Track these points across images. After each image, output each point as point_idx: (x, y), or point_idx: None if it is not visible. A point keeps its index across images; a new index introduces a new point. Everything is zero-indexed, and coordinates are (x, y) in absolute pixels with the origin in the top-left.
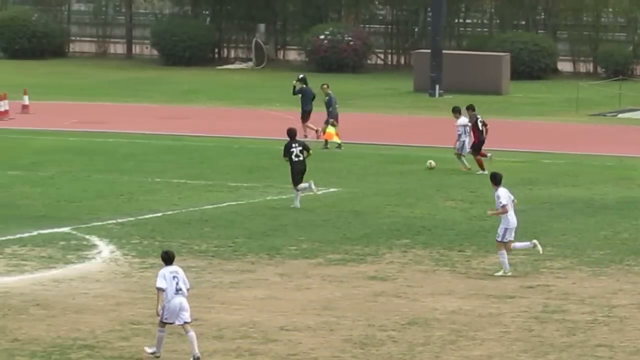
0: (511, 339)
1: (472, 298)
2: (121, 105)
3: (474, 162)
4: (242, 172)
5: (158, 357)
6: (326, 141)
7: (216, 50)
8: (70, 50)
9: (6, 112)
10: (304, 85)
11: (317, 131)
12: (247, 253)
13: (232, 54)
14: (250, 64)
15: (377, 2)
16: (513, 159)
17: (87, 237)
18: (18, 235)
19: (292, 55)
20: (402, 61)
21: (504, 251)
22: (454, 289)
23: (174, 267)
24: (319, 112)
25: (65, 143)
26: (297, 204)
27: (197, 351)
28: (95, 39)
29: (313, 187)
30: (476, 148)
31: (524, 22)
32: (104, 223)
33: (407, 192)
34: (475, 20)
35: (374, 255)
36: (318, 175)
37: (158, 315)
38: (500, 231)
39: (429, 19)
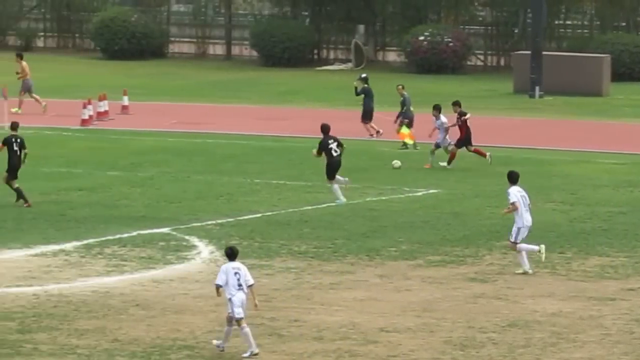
0: (612, 342)
1: (573, 300)
2: (220, 106)
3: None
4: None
5: (222, 350)
6: (404, 142)
7: (315, 51)
8: (170, 51)
9: (106, 112)
10: (366, 85)
11: (378, 132)
12: (347, 254)
13: (331, 55)
14: (350, 65)
15: (476, 4)
16: (614, 160)
17: (186, 237)
18: (118, 236)
19: (392, 56)
20: (502, 62)
21: (524, 254)
22: (555, 291)
23: (236, 264)
24: (388, 113)
25: (164, 144)
26: (343, 199)
27: (255, 347)
28: (195, 40)
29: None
30: (462, 144)
31: (624, 24)
32: (204, 224)
33: None
34: (575, 22)
35: (473, 256)
36: (417, 176)
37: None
38: (513, 231)
39: (528, 20)
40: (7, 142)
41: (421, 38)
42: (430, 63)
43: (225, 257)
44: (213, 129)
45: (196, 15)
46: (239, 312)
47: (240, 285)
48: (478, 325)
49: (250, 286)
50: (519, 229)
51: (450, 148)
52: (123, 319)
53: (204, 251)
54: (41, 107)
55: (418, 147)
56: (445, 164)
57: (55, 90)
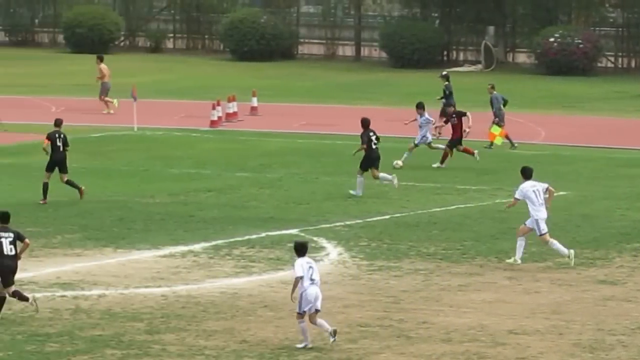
0: None
1: None
2: (349, 107)
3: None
4: (470, 175)
5: (311, 347)
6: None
7: (445, 52)
8: (299, 52)
9: (235, 113)
10: (447, 82)
11: (438, 129)
12: (476, 256)
13: (461, 57)
14: (480, 66)
15: (607, 5)
16: None
17: (315, 239)
18: (246, 237)
19: (522, 57)
20: (633, 64)
21: (554, 240)
22: None
23: (308, 258)
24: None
25: (293, 145)
26: (360, 192)
27: (330, 327)
28: (324, 41)
29: (395, 182)
30: (454, 143)
31: None
32: (332, 225)
33: (638, 195)
34: None
35: (603, 259)
36: (547, 178)
37: (293, 301)
38: (536, 225)
39: None
40: (51, 137)
41: (551, 39)
42: (560, 64)
43: (295, 252)
44: (342, 131)
45: (325, 17)
46: (317, 305)
47: (312, 279)
48: (607, 328)
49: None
50: (537, 221)
51: (433, 145)
52: (251, 320)
53: (332, 253)
54: (108, 110)
55: (516, 145)
56: (438, 164)
57: (185, 92)
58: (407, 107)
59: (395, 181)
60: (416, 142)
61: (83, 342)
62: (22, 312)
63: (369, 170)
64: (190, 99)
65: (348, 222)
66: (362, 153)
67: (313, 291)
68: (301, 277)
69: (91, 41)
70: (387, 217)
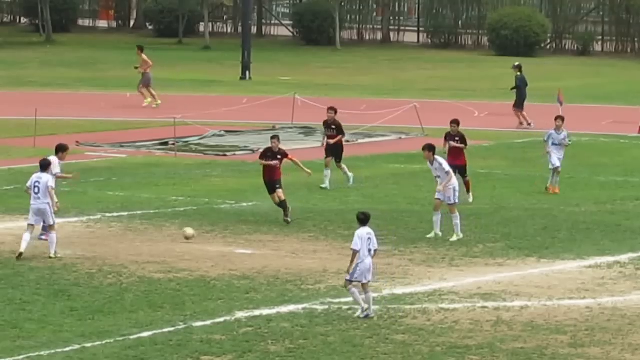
0: None
1: None
2: None
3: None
4: None
5: (368, 313)
6: None
7: None
8: None
9: None
10: (519, 73)
11: (529, 124)
12: None
13: None
14: None
15: None
16: None
17: None
18: None
19: None
20: None
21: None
22: None
23: (368, 229)
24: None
25: None
26: None
27: (364, 304)
28: None
29: None
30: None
31: None
32: None
33: None
34: None
35: None
36: None
37: (348, 273)
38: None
39: None
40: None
41: None
42: None
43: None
44: None
45: None
46: (367, 277)
47: (369, 250)
48: None
49: (375, 250)
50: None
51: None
52: None
53: None
54: (154, 102)
55: None
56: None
57: (613, 97)
58: None
59: None
60: None
61: (504, 355)
62: (442, 323)
63: None
64: (619, 104)
65: None
66: None
67: (368, 262)
68: (358, 251)
69: (516, 43)
70: None
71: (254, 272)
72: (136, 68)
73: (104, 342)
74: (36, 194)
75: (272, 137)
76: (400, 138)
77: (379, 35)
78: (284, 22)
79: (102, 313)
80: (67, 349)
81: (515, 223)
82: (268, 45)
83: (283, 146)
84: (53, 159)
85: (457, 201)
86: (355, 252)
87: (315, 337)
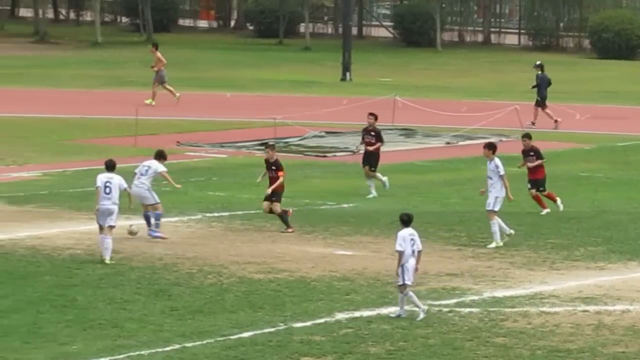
0: None
1: None
2: None
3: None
4: None
5: (401, 313)
6: None
7: None
8: None
9: None
10: (540, 72)
11: (556, 121)
12: None
13: None
14: None
15: None
16: None
17: None
18: None
19: None
20: None
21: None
22: None
23: (411, 229)
24: None
25: None
26: None
27: (423, 305)
28: None
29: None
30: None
31: None
32: None
33: None
34: None
35: None
36: None
37: (398, 275)
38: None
39: None
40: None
41: None
42: None
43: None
44: None
45: None
46: (409, 278)
47: (413, 251)
48: None
49: (419, 251)
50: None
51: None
52: None
53: None
54: (174, 97)
55: None
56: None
57: None
58: None
59: None
60: None
61: (605, 359)
62: (543, 326)
63: None
64: None
65: None
66: None
67: (412, 263)
68: (403, 252)
69: (618, 46)
70: None
71: (354, 273)
72: (152, 67)
73: (204, 342)
74: (107, 194)
75: (267, 146)
76: (501, 140)
77: (480, 37)
78: (384, 24)
79: (202, 313)
80: (168, 348)
81: (617, 227)
82: (368, 47)
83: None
84: (153, 162)
85: (496, 209)
86: (400, 253)
87: (415, 339)
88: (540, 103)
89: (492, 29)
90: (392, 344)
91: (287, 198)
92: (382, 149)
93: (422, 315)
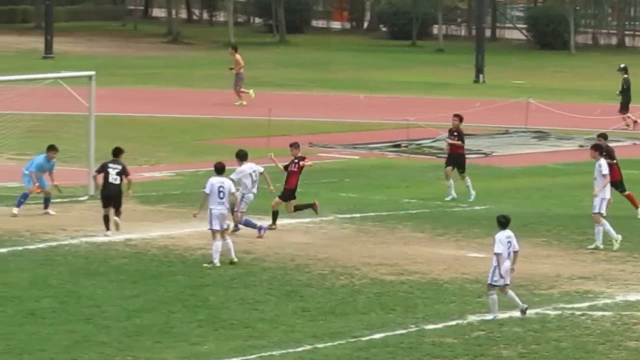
0: None
1: None
2: None
3: None
4: None
5: (522, 307)
6: None
7: None
8: None
9: None
10: (626, 75)
11: (635, 122)
12: None
13: None
14: None
15: None
16: None
17: None
18: None
19: None
20: None
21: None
22: None
23: (509, 232)
24: None
25: None
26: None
27: (522, 303)
28: None
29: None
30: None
31: None
32: None
33: None
34: None
35: None
36: None
37: (502, 277)
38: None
39: None
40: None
41: None
42: None
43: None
44: None
45: None
46: (506, 280)
47: (509, 253)
48: None
49: (516, 252)
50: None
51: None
52: None
53: None
54: (237, 102)
55: None
56: None
57: None
58: None
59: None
60: None
61: None
62: None
63: None
64: None
65: None
66: None
67: (507, 265)
68: (500, 254)
69: None
70: None
71: (486, 275)
72: (231, 69)
73: (335, 343)
74: (221, 198)
75: (291, 145)
76: (635, 144)
77: (614, 40)
78: (518, 26)
79: (333, 314)
80: (299, 349)
81: None
82: (501, 49)
83: (513, 150)
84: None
85: (602, 212)
86: (499, 256)
87: (547, 342)
88: (624, 107)
89: (627, 32)
90: (524, 347)
91: (419, 200)
92: (515, 151)
93: (490, 317)
